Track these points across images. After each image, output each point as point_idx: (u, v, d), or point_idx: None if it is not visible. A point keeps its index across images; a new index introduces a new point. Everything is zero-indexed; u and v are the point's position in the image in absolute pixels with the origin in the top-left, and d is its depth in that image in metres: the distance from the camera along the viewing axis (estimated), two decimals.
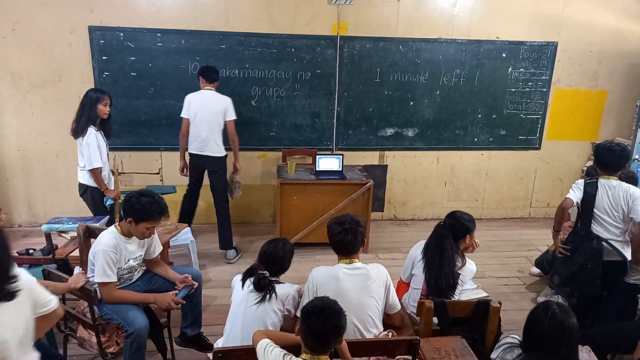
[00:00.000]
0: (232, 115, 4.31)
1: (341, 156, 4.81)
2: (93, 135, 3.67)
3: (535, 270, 4.33)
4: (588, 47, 5.40)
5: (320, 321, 1.80)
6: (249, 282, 2.39)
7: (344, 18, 4.94)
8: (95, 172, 3.69)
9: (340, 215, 2.53)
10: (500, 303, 2.54)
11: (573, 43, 5.35)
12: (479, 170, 5.66)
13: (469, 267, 2.82)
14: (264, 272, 2.39)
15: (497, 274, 4.39)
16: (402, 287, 2.99)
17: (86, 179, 3.78)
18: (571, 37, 5.32)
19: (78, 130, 3.69)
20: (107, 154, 3.87)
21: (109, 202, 3.82)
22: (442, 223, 2.80)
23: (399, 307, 2.55)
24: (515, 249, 4.92)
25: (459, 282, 2.73)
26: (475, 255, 4.65)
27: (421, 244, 2.85)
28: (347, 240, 2.41)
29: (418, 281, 2.78)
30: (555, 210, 4.38)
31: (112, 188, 3.92)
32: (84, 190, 3.83)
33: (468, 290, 2.98)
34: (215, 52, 4.83)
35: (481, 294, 2.94)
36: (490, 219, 5.79)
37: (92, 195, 3.80)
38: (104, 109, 3.72)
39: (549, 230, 4.14)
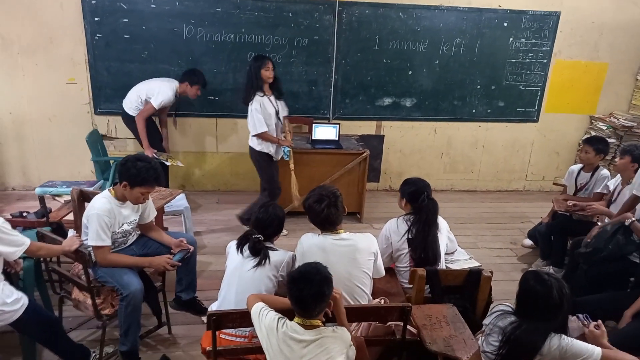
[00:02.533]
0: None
1: (338, 125, 4.77)
2: (257, 102, 3.84)
3: (528, 242, 4.38)
4: (590, 17, 5.30)
5: (300, 287, 1.83)
6: (245, 247, 2.40)
7: None
8: (262, 136, 3.93)
9: (312, 192, 2.49)
10: (491, 272, 2.57)
11: (575, 13, 5.25)
12: (475, 142, 5.64)
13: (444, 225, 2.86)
14: (259, 236, 2.40)
15: (490, 245, 4.44)
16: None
17: (255, 144, 4.01)
18: (573, 7, 5.22)
19: (246, 98, 3.90)
20: (277, 113, 4.03)
21: (287, 150, 4.07)
22: (425, 195, 2.75)
23: (383, 273, 2.58)
24: (509, 221, 4.96)
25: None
26: (469, 227, 4.75)
27: (392, 222, 2.82)
28: (333, 215, 2.40)
29: (404, 259, 2.77)
30: (550, 183, 4.44)
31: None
32: (251, 153, 4.10)
33: (460, 260, 3.00)
34: (210, 15, 4.71)
35: (473, 264, 2.96)
36: (485, 191, 5.81)
37: (257, 159, 4.06)
38: (267, 74, 3.86)
39: (543, 203, 4.21)
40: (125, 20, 4.60)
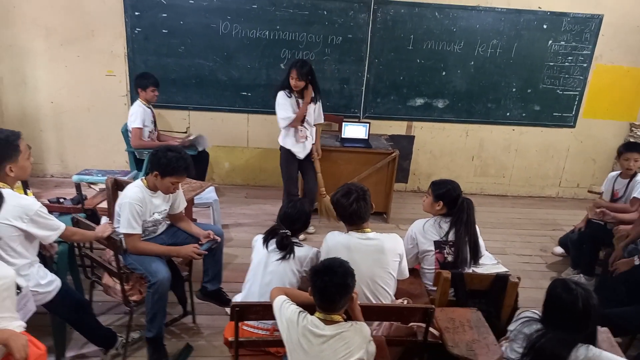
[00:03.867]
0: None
1: (368, 124, 4.75)
2: (280, 96, 3.91)
3: (559, 249, 4.26)
4: (634, 21, 5.11)
5: (325, 279, 1.84)
6: (271, 241, 2.42)
7: None
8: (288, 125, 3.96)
9: (341, 188, 2.48)
10: (519, 279, 2.52)
11: (619, 16, 5.06)
12: (508, 146, 5.52)
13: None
14: (286, 231, 2.41)
15: (519, 251, 4.34)
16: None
17: (280, 138, 4.07)
18: (617, 10, 5.04)
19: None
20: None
21: None
22: (462, 196, 2.72)
23: (407, 275, 2.56)
24: (540, 228, 4.83)
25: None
26: (498, 232, 4.65)
27: (419, 223, 2.78)
28: (362, 209, 2.40)
29: (430, 261, 2.73)
30: (584, 190, 4.30)
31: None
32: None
33: (488, 264, 2.94)
34: (247, 11, 4.77)
35: (501, 269, 2.90)
36: (516, 197, 5.68)
37: (280, 155, 4.11)
38: (292, 82, 3.85)
39: (577, 211, 4.10)
40: (164, 15, 4.71)
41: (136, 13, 4.69)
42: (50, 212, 2.44)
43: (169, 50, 4.82)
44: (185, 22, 4.75)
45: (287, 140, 4.02)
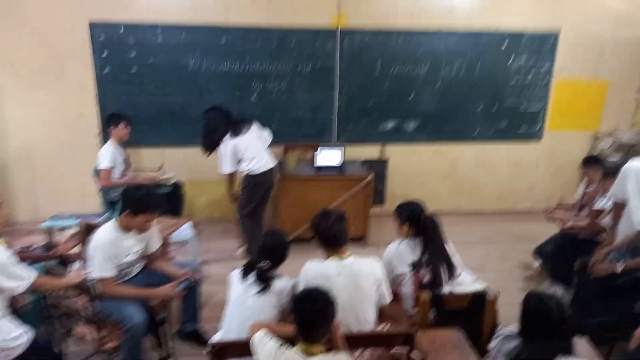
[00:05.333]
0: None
1: (342, 147, 4.79)
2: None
3: (536, 262, 4.32)
4: (589, 36, 5.35)
5: (305, 307, 1.86)
6: (249, 275, 2.40)
7: (344, 8, 4.92)
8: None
9: (318, 213, 2.50)
10: (497, 295, 2.54)
11: (575, 32, 5.30)
12: (479, 163, 5.64)
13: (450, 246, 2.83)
14: (264, 263, 2.39)
15: (498, 266, 4.39)
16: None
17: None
18: (572, 27, 5.27)
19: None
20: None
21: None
22: (425, 215, 2.75)
23: (388, 301, 2.55)
24: (517, 242, 4.90)
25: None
26: (476, 248, 4.70)
27: (392, 247, 2.80)
28: (342, 231, 2.41)
29: (408, 283, 2.74)
30: (555, 201, 4.42)
31: None
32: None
33: (467, 281, 2.97)
34: (215, 46, 4.83)
35: (480, 285, 2.93)
36: (491, 213, 5.77)
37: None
38: None
39: (551, 224, 4.16)
40: (132, 54, 4.73)
41: (104, 53, 4.70)
42: (20, 261, 2.39)
43: (140, 88, 4.83)
44: (155, 59, 4.78)
45: None
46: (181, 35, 4.76)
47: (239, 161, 4.06)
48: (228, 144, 4.03)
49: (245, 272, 2.42)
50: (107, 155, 4.08)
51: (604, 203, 3.62)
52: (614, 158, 5.19)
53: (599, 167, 3.78)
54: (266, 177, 4.12)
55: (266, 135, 4.25)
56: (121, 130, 4.17)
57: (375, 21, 4.98)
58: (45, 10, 4.54)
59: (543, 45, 5.31)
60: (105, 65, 4.73)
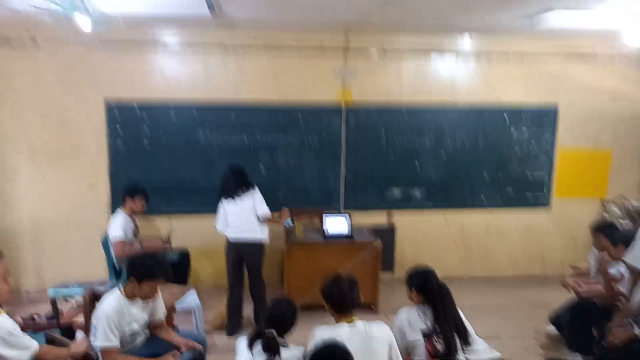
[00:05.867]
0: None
1: (348, 215, 4.82)
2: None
3: (551, 328, 4.15)
4: (589, 109, 5.50)
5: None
6: (256, 345, 2.34)
7: (349, 87, 5.16)
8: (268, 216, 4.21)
9: (329, 278, 2.50)
10: None
11: (574, 105, 5.47)
12: (489, 230, 5.61)
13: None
14: (272, 332, 2.35)
15: (513, 334, 4.22)
16: None
17: (263, 233, 4.21)
18: (572, 100, 5.45)
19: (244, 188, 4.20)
20: None
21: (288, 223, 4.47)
22: (434, 282, 2.71)
23: None
24: (531, 309, 4.75)
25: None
26: (490, 316, 4.56)
27: (403, 313, 2.74)
28: (354, 295, 2.42)
29: (420, 351, 2.65)
30: (569, 268, 4.33)
31: None
32: (259, 247, 4.24)
33: (480, 349, 2.86)
34: (225, 122, 5.04)
35: (494, 355, 2.81)
36: (503, 279, 5.64)
37: (262, 250, 4.25)
38: None
39: (565, 290, 4.07)
40: (146, 130, 4.94)
41: (119, 129, 4.91)
42: (23, 330, 2.36)
43: (151, 162, 4.99)
44: (167, 135, 4.98)
45: (265, 232, 4.22)
46: (193, 112, 4.99)
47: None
48: (222, 205, 4.21)
49: (252, 341, 2.37)
50: (118, 225, 4.08)
51: (617, 270, 3.55)
52: (624, 224, 5.15)
53: (609, 234, 3.73)
54: (236, 247, 4.14)
55: (258, 209, 4.15)
56: (138, 202, 4.21)
57: (379, 98, 5.21)
58: (63, 91, 4.81)
59: (543, 118, 5.47)
60: (118, 140, 4.93)
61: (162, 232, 5.00)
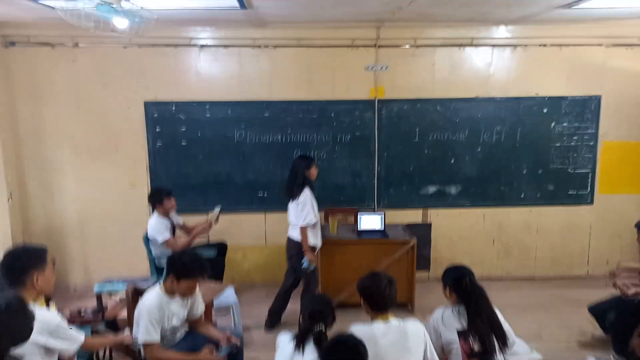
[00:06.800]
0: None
1: (383, 213, 4.80)
2: (309, 195, 4.05)
3: (598, 333, 3.99)
4: (633, 98, 5.26)
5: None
6: (307, 344, 2.30)
7: (380, 83, 5.12)
8: (305, 229, 4.02)
9: (365, 276, 2.49)
10: None
11: (617, 95, 5.24)
12: (529, 227, 5.45)
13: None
14: (321, 328, 2.33)
15: (556, 336, 4.09)
16: None
17: (296, 235, 4.10)
18: (614, 89, 5.22)
19: (292, 192, 4.10)
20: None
21: (304, 265, 4.06)
22: (469, 279, 2.65)
23: None
24: (575, 309, 4.57)
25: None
26: (530, 316, 4.44)
27: (438, 313, 2.69)
28: (392, 293, 2.40)
29: (457, 352, 2.58)
30: (614, 266, 4.15)
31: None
32: (290, 245, 4.19)
33: (522, 353, 2.79)
34: (259, 119, 5.10)
35: (536, 357, 2.75)
36: (544, 278, 5.48)
37: (294, 251, 4.14)
38: (315, 172, 4.17)
39: (611, 289, 3.91)
40: (183, 128, 5.06)
41: (157, 129, 5.05)
42: (70, 323, 2.47)
43: (188, 159, 5.11)
44: (203, 133, 5.08)
45: (311, 239, 4.08)
46: (227, 110, 5.07)
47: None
48: (308, 194, 4.05)
49: (301, 341, 2.33)
50: (160, 228, 4.23)
51: None
52: None
53: None
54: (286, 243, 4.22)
55: (295, 207, 4.12)
56: (167, 203, 4.33)
57: (412, 93, 5.14)
58: (105, 92, 4.98)
59: (585, 108, 5.26)
60: (157, 140, 5.07)
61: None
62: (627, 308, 3.57)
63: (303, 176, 4.08)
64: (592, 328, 4.12)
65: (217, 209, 4.57)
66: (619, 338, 3.58)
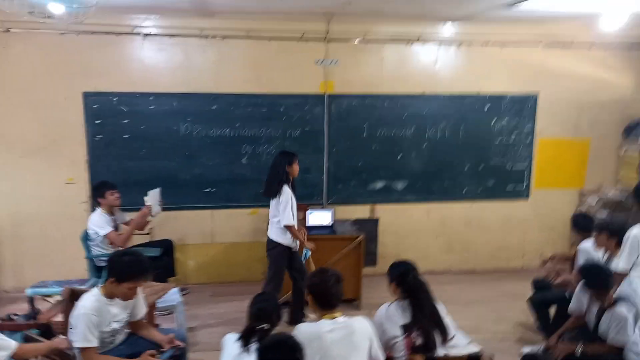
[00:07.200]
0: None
1: (332, 209, 4.83)
2: (288, 194, 3.91)
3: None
4: (568, 97, 5.57)
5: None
6: (251, 342, 2.28)
7: (330, 77, 5.13)
8: (291, 229, 3.92)
9: (314, 273, 2.51)
10: (492, 358, 2.48)
11: (553, 94, 5.52)
12: (470, 222, 5.67)
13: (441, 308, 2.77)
14: (264, 325, 2.32)
15: (494, 327, 4.29)
16: None
17: (275, 235, 3.99)
18: (551, 89, 5.50)
19: (271, 191, 3.96)
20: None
21: (308, 254, 4.07)
22: (413, 274, 2.72)
23: (382, 359, 2.48)
24: (511, 302, 4.82)
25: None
26: (471, 309, 4.62)
27: (382, 309, 2.75)
28: (338, 290, 2.41)
29: (400, 347, 2.65)
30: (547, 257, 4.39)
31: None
32: (273, 246, 4.01)
33: (461, 345, 2.90)
34: (206, 112, 4.97)
35: (473, 349, 2.86)
36: (484, 272, 5.73)
37: (273, 251, 4.02)
38: (297, 168, 4.04)
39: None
40: (125, 121, 4.85)
41: (97, 121, 4.81)
42: (0, 330, 2.32)
43: (131, 153, 4.90)
44: (147, 126, 4.89)
45: (287, 237, 4.00)
46: (173, 102, 4.91)
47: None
48: (288, 192, 3.94)
49: (247, 339, 2.32)
50: (102, 222, 4.07)
51: (618, 265, 3.34)
52: (601, 215, 5.26)
53: (588, 226, 3.80)
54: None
55: (277, 204, 4.01)
56: (109, 196, 4.16)
57: (361, 88, 5.19)
58: (40, 83, 4.68)
59: (523, 106, 5.52)
60: (97, 133, 4.82)
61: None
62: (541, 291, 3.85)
63: (285, 172, 3.95)
64: (527, 318, 4.35)
65: (152, 192, 4.34)
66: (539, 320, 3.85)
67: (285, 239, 4.00)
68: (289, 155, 4.04)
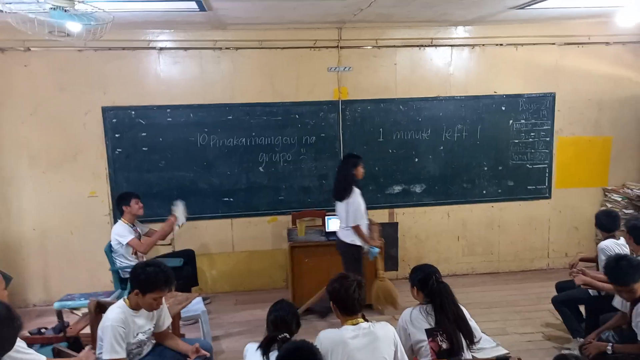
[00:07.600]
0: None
1: None
2: (358, 195, 4.02)
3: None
4: (586, 95, 5.48)
5: None
6: (273, 351, 2.28)
7: (343, 83, 5.14)
8: (358, 229, 4.00)
9: (335, 278, 2.49)
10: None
11: (571, 93, 5.45)
12: (491, 223, 5.59)
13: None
14: (285, 334, 2.32)
15: (520, 329, 4.22)
16: None
17: (344, 235, 4.10)
18: (568, 87, 5.43)
19: (342, 193, 4.06)
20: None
21: (376, 251, 4.11)
22: (435, 278, 2.69)
23: None
24: (537, 303, 4.74)
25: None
26: (495, 312, 4.56)
27: (406, 313, 2.71)
28: (360, 296, 2.40)
29: (425, 351, 2.61)
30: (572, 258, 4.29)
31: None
32: (344, 246, 4.12)
33: (487, 348, 2.86)
34: (222, 122, 5.02)
35: (501, 352, 2.81)
36: (508, 272, 5.64)
37: (346, 252, 4.10)
38: (362, 171, 4.13)
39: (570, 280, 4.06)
40: (143, 134, 4.92)
41: (116, 135, 4.89)
42: (30, 344, 2.36)
43: (150, 165, 4.97)
44: (165, 138, 4.95)
45: (355, 237, 4.07)
46: (189, 114, 4.97)
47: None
48: (357, 194, 4.03)
49: (267, 348, 2.32)
50: (124, 232, 4.18)
51: None
52: (627, 213, 5.14)
53: (611, 224, 3.73)
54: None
55: (345, 206, 4.10)
56: (134, 205, 4.25)
57: (375, 93, 5.19)
58: (60, 99, 4.78)
59: (541, 106, 5.44)
60: (116, 146, 4.91)
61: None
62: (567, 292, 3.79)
63: (352, 175, 4.07)
64: (554, 319, 4.27)
65: (179, 202, 4.46)
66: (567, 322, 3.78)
67: (355, 239, 4.07)
68: (354, 158, 4.17)
